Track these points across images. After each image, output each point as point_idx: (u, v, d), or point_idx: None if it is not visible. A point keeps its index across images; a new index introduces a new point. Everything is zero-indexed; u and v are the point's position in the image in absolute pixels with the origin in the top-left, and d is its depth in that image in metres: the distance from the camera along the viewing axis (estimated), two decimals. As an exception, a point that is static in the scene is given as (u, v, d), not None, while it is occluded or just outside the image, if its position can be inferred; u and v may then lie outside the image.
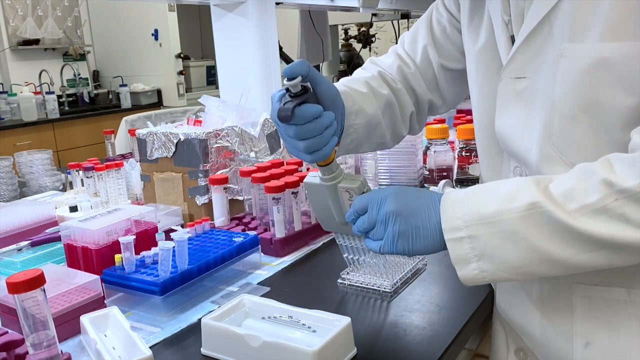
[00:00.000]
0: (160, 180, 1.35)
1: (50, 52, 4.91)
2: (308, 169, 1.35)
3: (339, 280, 1.01)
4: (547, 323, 0.81)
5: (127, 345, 0.78)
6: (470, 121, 1.68)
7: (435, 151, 1.52)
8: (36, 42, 4.67)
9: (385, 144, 1.00)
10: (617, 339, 0.74)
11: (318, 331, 0.78)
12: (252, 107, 1.49)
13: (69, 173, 1.65)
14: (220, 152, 1.31)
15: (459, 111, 2.00)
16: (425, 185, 1.55)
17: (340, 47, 4.13)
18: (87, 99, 4.94)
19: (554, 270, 0.67)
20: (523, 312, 0.85)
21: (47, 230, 1.30)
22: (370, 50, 4.09)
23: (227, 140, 1.33)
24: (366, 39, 3.79)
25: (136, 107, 4.84)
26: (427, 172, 1.55)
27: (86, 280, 0.93)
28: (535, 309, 0.82)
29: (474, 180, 1.45)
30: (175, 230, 0.96)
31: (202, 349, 0.80)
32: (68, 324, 0.85)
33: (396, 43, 1.09)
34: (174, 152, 1.30)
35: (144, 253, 0.99)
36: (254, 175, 1.23)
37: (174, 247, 0.93)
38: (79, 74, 4.97)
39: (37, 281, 0.67)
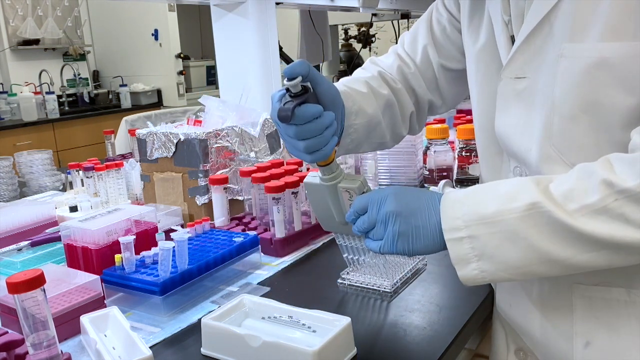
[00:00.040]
0: (160, 180, 1.35)
1: (50, 52, 4.91)
2: (308, 169, 1.35)
3: (339, 280, 1.01)
4: (547, 323, 0.81)
5: (127, 345, 0.78)
6: (470, 121, 1.68)
7: (435, 151, 1.52)
8: (36, 42, 4.67)
9: (385, 144, 1.00)
10: (617, 339, 0.74)
11: (318, 331, 0.78)
12: (252, 107, 1.49)
13: (69, 173, 1.65)
14: (220, 152, 1.31)
15: (459, 111, 2.00)
16: (425, 185, 1.55)
17: (340, 47, 4.14)
18: (87, 99, 4.94)
19: (554, 271, 0.67)
20: (523, 312, 0.85)
21: (47, 230, 1.30)
22: (370, 50, 4.09)
23: (227, 140, 1.33)
24: (366, 39, 3.79)
25: (136, 107, 4.84)
26: (427, 172, 1.55)
27: (86, 280, 0.93)
28: (535, 309, 0.82)
29: (474, 180, 1.45)
30: (175, 230, 0.96)
31: (202, 349, 0.80)
32: (68, 324, 0.85)
33: (396, 43, 1.09)
34: (174, 152, 1.30)
35: (144, 253, 0.99)
36: (254, 175, 1.23)
37: (174, 247, 0.93)
38: (79, 74, 4.97)
39: (37, 281, 0.67)
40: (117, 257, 0.95)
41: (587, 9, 0.67)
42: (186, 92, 5.14)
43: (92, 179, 1.45)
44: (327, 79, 0.79)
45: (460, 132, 1.47)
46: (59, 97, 4.67)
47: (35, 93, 4.42)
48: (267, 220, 1.21)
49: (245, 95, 1.52)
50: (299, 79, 0.71)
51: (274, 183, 1.15)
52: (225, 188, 1.26)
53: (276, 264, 1.12)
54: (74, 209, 1.36)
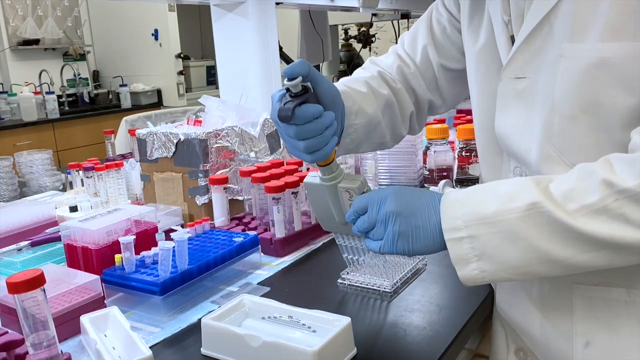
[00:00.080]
0: (160, 180, 1.35)
1: (50, 52, 4.91)
2: (308, 169, 1.35)
3: (339, 280, 1.01)
4: (547, 323, 0.81)
5: (127, 345, 0.78)
6: (470, 121, 1.68)
7: (435, 151, 1.52)
8: (36, 42, 4.67)
9: (385, 144, 1.00)
10: (617, 339, 0.74)
11: (318, 331, 0.78)
12: (252, 107, 1.49)
13: (69, 173, 1.65)
14: (220, 152, 1.31)
15: (459, 111, 2.00)
16: (425, 185, 1.55)
17: (340, 47, 4.14)
18: (87, 99, 4.94)
19: (554, 271, 0.67)
20: (523, 312, 0.85)
21: (47, 230, 1.30)
22: (370, 50, 4.09)
23: (227, 140, 1.33)
24: (366, 39, 3.79)
25: (136, 107, 4.84)
26: (427, 172, 1.55)
27: (86, 280, 0.93)
28: (535, 309, 0.82)
29: (474, 180, 1.45)
30: (175, 230, 0.96)
31: (202, 349, 0.80)
32: (68, 324, 0.85)
33: (396, 43, 1.09)
34: (174, 152, 1.30)
35: (144, 253, 0.99)
36: (254, 175, 1.23)
37: (174, 247, 0.93)
38: (79, 74, 4.97)
39: (37, 281, 0.67)
40: (117, 257, 0.95)
41: (587, 9, 0.67)
42: (186, 92, 5.14)
43: (92, 179, 1.45)
44: (327, 79, 0.79)
45: (460, 132, 1.47)
46: (59, 97, 4.67)
47: (35, 93, 4.42)
48: (267, 220, 1.21)
49: (245, 95, 1.52)
50: (299, 79, 0.71)
51: (274, 183, 1.15)
52: (225, 188, 1.26)
53: (276, 264, 1.12)
54: (74, 209, 1.36)
